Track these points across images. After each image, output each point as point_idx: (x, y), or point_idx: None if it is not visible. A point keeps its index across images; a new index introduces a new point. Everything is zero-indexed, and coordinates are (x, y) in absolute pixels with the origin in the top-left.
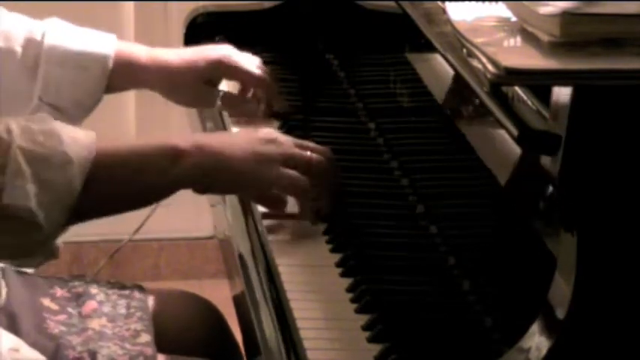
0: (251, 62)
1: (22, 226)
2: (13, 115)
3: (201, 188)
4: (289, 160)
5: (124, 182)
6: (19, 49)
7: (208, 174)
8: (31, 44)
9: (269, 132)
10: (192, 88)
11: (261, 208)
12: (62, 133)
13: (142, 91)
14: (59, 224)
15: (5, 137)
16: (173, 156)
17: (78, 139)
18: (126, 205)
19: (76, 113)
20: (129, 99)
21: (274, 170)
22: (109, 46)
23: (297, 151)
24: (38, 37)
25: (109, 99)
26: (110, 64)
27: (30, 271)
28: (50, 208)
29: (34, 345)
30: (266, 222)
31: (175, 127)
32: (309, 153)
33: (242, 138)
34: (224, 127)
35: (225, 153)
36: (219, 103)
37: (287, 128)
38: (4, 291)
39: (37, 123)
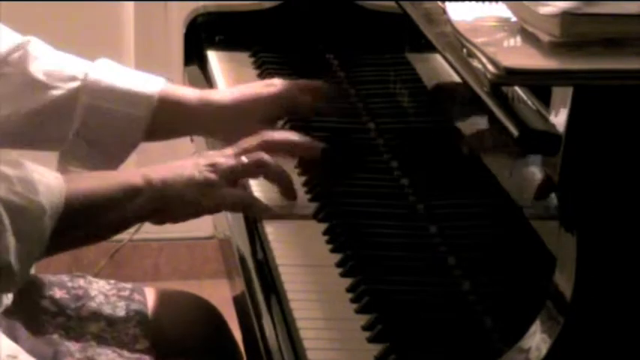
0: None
1: None
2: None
3: (156, 221)
4: (231, 176)
5: (88, 221)
6: (60, 84)
7: (158, 207)
8: (73, 79)
9: (209, 156)
10: (246, 128)
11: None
12: (36, 180)
13: None
14: (28, 269)
15: None
16: (130, 193)
17: (50, 186)
18: (87, 240)
19: (115, 152)
20: None
21: (217, 194)
22: (155, 86)
23: (235, 165)
24: (80, 75)
25: None
26: (154, 103)
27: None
28: (25, 258)
29: (31, 351)
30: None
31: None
32: (243, 159)
33: (185, 168)
34: None
35: (169, 186)
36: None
37: (287, 129)
38: (10, 294)
39: (13, 169)
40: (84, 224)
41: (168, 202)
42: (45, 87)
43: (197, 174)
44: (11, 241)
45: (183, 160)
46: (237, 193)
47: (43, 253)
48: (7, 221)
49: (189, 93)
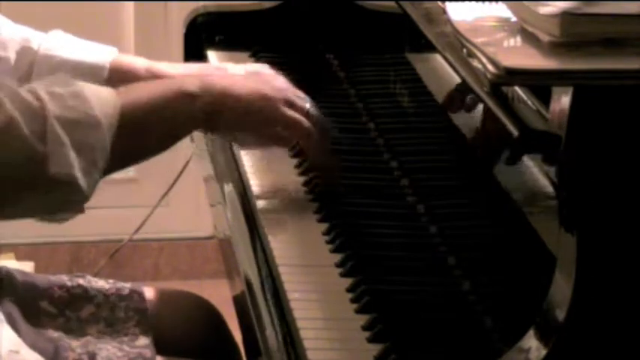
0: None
1: (65, 190)
2: None
3: (211, 127)
4: (289, 104)
5: (145, 130)
6: (13, 56)
7: (217, 113)
8: (26, 52)
9: (272, 74)
10: None
11: (265, 206)
12: (87, 94)
13: None
14: (96, 183)
15: (38, 105)
16: (185, 99)
17: (102, 98)
18: (147, 152)
19: None
20: None
21: (279, 109)
22: (105, 57)
23: (296, 97)
24: (35, 47)
25: None
26: (104, 74)
27: (29, 270)
28: (88, 170)
29: (33, 346)
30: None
31: None
32: (306, 104)
33: (247, 78)
34: None
35: (231, 92)
36: None
37: None
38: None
39: (62, 86)
40: (142, 135)
41: (228, 109)
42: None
43: (263, 86)
44: (72, 155)
45: (245, 68)
46: (298, 116)
47: (109, 166)
48: (64, 137)
49: (139, 62)
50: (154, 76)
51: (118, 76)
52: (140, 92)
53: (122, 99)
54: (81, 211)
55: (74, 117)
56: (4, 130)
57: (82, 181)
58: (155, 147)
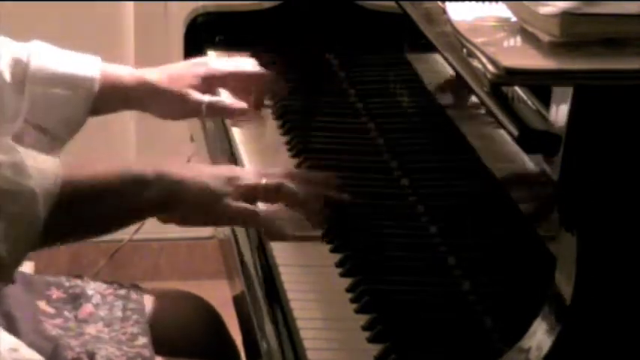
0: (239, 65)
1: None
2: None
3: (160, 215)
4: (248, 194)
5: (87, 211)
6: (6, 69)
7: (166, 205)
8: (17, 64)
9: (231, 170)
10: (180, 104)
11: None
12: (28, 166)
13: None
14: (21, 256)
15: None
16: (136, 185)
17: (43, 171)
18: (88, 232)
19: (61, 135)
20: None
21: (230, 207)
22: (94, 69)
23: (255, 184)
24: (24, 59)
25: None
26: (96, 85)
27: (29, 270)
28: (15, 242)
29: (31, 345)
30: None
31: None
32: (263, 181)
33: (203, 173)
34: (224, 127)
35: (182, 186)
36: (204, 110)
37: (287, 128)
38: None
39: (5, 154)
40: (84, 213)
41: (176, 201)
42: None
43: (215, 182)
44: (0, 226)
45: (205, 166)
46: (249, 211)
47: (40, 241)
48: None
49: (125, 72)
50: (141, 83)
51: (106, 88)
52: (91, 170)
53: (68, 174)
54: (8, 280)
55: (9, 188)
56: None
57: (4, 252)
58: (101, 226)
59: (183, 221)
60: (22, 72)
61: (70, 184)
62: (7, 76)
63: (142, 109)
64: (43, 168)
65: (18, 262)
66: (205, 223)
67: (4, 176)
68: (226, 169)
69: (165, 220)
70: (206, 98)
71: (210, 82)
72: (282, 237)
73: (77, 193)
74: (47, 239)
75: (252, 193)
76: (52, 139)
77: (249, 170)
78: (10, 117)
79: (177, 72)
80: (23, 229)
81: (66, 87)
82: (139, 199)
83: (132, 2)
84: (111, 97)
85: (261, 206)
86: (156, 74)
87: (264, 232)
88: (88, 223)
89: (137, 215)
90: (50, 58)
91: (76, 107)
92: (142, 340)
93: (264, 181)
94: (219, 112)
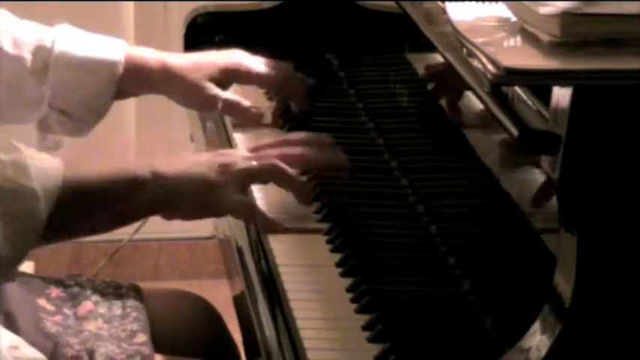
0: (264, 66)
1: None
2: (25, 121)
3: (163, 216)
4: (243, 180)
5: (88, 210)
6: (28, 56)
7: (164, 203)
8: (40, 51)
9: (226, 156)
10: (198, 91)
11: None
12: (30, 165)
13: None
14: (22, 254)
15: None
16: (134, 186)
17: (45, 171)
18: (89, 231)
19: (86, 118)
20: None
21: (226, 199)
22: (118, 52)
23: (249, 168)
24: (48, 44)
25: None
26: (120, 69)
27: (29, 270)
28: (15, 239)
29: (32, 343)
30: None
31: (175, 126)
32: (254, 163)
33: (198, 165)
34: (224, 128)
35: (178, 182)
36: (220, 107)
37: (287, 129)
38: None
39: (7, 154)
40: (84, 213)
41: (174, 199)
42: (16, 58)
43: (210, 174)
44: None
45: (197, 156)
46: (245, 204)
47: (40, 239)
48: None
49: (150, 56)
50: (167, 71)
51: (130, 72)
52: (90, 171)
53: (69, 174)
54: (7, 279)
55: (10, 187)
56: None
57: (4, 250)
58: (101, 224)
59: (184, 216)
60: (45, 58)
61: (71, 184)
62: (30, 63)
63: (165, 94)
64: (45, 168)
65: (18, 260)
66: (206, 216)
67: (6, 176)
68: (219, 156)
69: (167, 217)
70: (224, 95)
71: (231, 76)
72: (277, 229)
73: (78, 193)
74: (48, 238)
75: (248, 180)
76: (78, 123)
77: (241, 153)
78: (33, 102)
79: (201, 61)
80: (24, 229)
81: (89, 71)
82: (137, 199)
83: (132, 2)
84: (135, 81)
85: (256, 194)
86: (179, 60)
87: (259, 225)
88: (87, 222)
89: (137, 215)
90: (74, 42)
91: (99, 91)
92: (142, 337)
93: (254, 163)
94: (235, 111)
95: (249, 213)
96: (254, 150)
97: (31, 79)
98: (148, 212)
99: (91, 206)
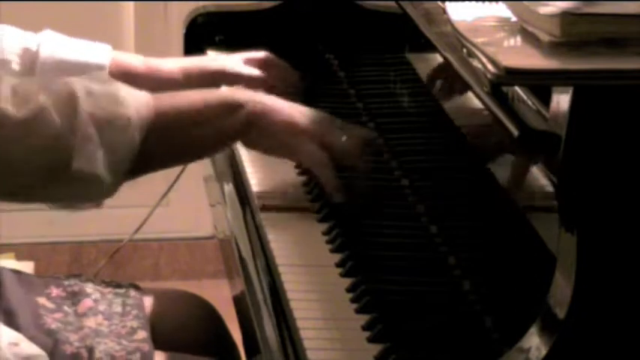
0: (250, 65)
1: (87, 186)
2: None
3: (243, 138)
4: (324, 140)
5: (181, 137)
6: (15, 59)
7: (252, 130)
8: (27, 54)
9: (320, 115)
10: None
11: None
12: (122, 94)
13: None
14: (121, 181)
15: (70, 100)
16: (230, 108)
17: (138, 99)
18: (181, 158)
19: None
20: None
21: (308, 147)
22: (104, 56)
23: (334, 135)
24: (34, 48)
25: None
26: (106, 74)
27: (26, 270)
28: (114, 167)
29: (32, 340)
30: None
31: None
32: (343, 139)
33: (293, 108)
34: None
35: (272, 116)
36: None
37: None
38: None
39: (99, 84)
40: (177, 137)
41: (261, 130)
42: (2, 63)
43: (301, 119)
44: (99, 152)
45: (298, 105)
46: (321, 157)
47: (143, 166)
48: (94, 134)
49: (136, 60)
50: (153, 72)
51: (117, 75)
52: (182, 96)
53: (159, 102)
54: (100, 205)
55: (106, 116)
56: (36, 117)
57: (105, 178)
58: (192, 150)
59: (264, 148)
60: (31, 61)
61: (164, 112)
62: (16, 66)
63: None
64: (136, 96)
65: (117, 186)
66: (282, 154)
67: (104, 104)
68: (316, 113)
69: (248, 145)
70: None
71: (220, 79)
72: (338, 195)
73: (172, 117)
74: (142, 166)
75: (329, 144)
76: None
77: (334, 120)
78: None
79: (192, 64)
80: (121, 155)
81: (75, 74)
82: (230, 122)
83: (132, 2)
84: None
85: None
86: (169, 64)
87: (328, 184)
88: (180, 147)
89: (226, 139)
90: (60, 46)
91: None
92: (142, 334)
93: (344, 138)
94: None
95: (323, 167)
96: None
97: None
98: (238, 136)
99: (186, 128)
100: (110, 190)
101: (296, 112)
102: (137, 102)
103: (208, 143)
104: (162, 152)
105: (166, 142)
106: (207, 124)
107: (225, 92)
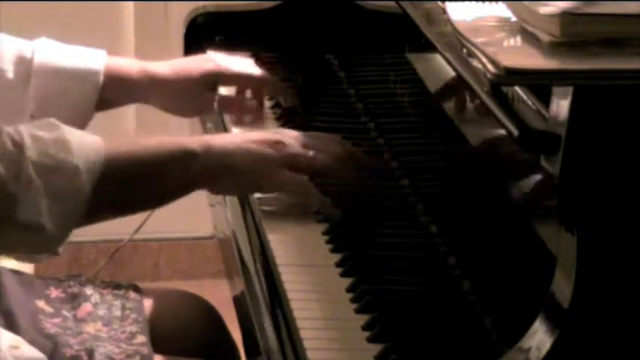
0: (247, 66)
1: (33, 235)
2: None
3: (208, 186)
4: (292, 162)
5: (134, 187)
6: (9, 67)
7: (215, 176)
8: (21, 61)
9: (276, 133)
10: (187, 98)
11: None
12: (71, 141)
13: None
14: (68, 230)
15: (15, 150)
16: (185, 159)
17: (86, 146)
18: (135, 208)
19: None
20: None
21: (277, 176)
22: (99, 62)
23: (300, 152)
24: (28, 55)
25: None
26: (101, 79)
27: (26, 271)
28: (60, 217)
29: (31, 343)
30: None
31: (175, 126)
32: (311, 154)
33: (248, 140)
34: (224, 128)
35: (230, 156)
36: (216, 107)
37: (287, 129)
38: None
39: (47, 131)
40: (129, 188)
41: (226, 173)
42: None
43: (261, 149)
44: (43, 202)
45: (248, 133)
46: (296, 180)
47: (86, 215)
48: (38, 183)
49: (130, 65)
50: (148, 76)
51: (112, 81)
52: (135, 144)
53: (111, 149)
54: (55, 253)
55: (52, 164)
56: None
57: (51, 228)
58: (148, 201)
59: (233, 191)
60: (26, 68)
61: (114, 158)
62: (11, 74)
63: (149, 103)
64: (86, 143)
65: (65, 235)
66: (255, 191)
67: (48, 153)
68: (270, 134)
69: (215, 192)
70: (217, 94)
71: (215, 79)
72: (331, 211)
73: (121, 167)
74: (93, 214)
75: (298, 165)
76: None
77: (292, 134)
78: (14, 113)
79: (185, 66)
80: (68, 204)
81: (70, 80)
82: (187, 172)
83: (132, 2)
84: (117, 91)
85: None
86: (163, 68)
87: (316, 203)
88: (133, 197)
89: (184, 189)
90: (54, 53)
91: (81, 101)
92: (141, 338)
93: (311, 153)
94: (233, 104)
95: (303, 190)
96: (309, 137)
97: (12, 90)
98: (196, 186)
99: (136, 182)
100: (59, 239)
101: (256, 144)
102: (86, 149)
103: (164, 190)
104: (115, 199)
105: (119, 190)
106: (162, 173)
107: (181, 139)
